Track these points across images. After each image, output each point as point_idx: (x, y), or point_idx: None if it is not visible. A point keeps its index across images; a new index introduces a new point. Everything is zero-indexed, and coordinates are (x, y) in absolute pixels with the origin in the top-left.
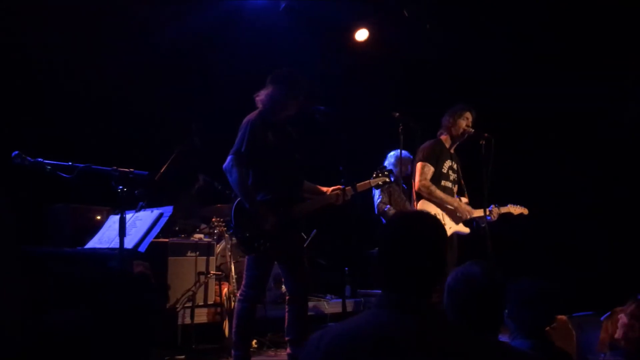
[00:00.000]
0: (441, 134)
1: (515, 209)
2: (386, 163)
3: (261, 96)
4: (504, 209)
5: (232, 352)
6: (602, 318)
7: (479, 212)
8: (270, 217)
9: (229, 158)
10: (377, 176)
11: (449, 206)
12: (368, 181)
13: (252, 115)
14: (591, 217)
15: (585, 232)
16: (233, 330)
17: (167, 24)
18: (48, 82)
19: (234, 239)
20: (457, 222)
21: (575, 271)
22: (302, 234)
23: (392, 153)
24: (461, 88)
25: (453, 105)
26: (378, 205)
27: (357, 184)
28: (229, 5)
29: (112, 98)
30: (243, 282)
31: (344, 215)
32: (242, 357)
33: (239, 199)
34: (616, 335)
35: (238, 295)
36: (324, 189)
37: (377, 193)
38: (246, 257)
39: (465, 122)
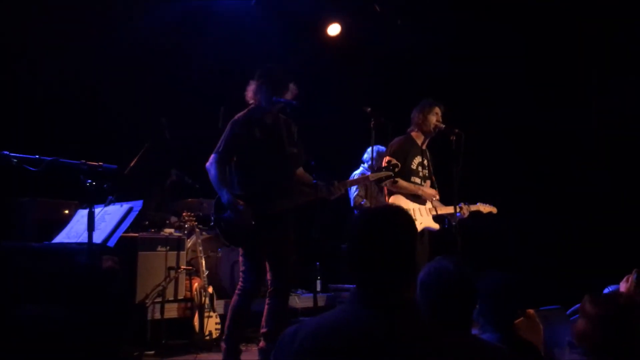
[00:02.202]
0: (412, 130)
1: (485, 208)
2: (365, 157)
3: (248, 93)
4: (473, 207)
5: (222, 344)
6: (568, 312)
7: (449, 209)
8: (247, 212)
9: (211, 156)
10: (380, 170)
11: (414, 194)
12: (367, 175)
13: (239, 114)
14: (561, 212)
15: (555, 227)
16: (226, 322)
17: (138, 17)
18: (15, 74)
19: (204, 233)
20: (428, 218)
21: (546, 265)
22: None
23: (370, 148)
24: (432, 83)
25: (421, 101)
26: (355, 198)
27: (348, 180)
28: None
29: (81, 91)
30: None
31: (315, 208)
32: (230, 350)
33: None
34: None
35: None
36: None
37: (353, 186)
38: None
39: (435, 117)
